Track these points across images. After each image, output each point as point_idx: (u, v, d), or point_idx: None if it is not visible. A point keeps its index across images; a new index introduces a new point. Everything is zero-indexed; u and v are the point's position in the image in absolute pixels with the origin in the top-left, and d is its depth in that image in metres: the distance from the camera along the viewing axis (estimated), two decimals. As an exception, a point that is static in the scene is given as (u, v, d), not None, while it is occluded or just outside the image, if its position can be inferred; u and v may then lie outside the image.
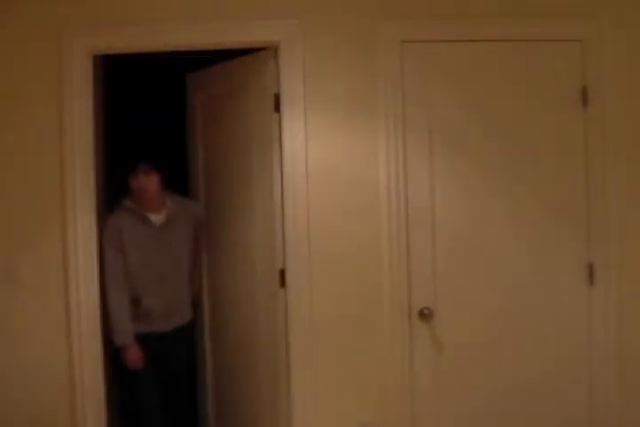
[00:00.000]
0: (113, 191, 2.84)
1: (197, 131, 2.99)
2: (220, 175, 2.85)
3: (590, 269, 2.55)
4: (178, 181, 2.94)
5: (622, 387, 2.54)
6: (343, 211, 2.53)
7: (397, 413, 2.52)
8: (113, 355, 2.62)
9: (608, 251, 2.53)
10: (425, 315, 2.53)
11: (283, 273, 2.54)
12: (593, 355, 2.55)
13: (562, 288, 2.56)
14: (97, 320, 2.49)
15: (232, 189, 2.76)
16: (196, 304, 2.93)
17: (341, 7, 2.52)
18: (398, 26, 2.51)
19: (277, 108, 2.51)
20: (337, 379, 2.53)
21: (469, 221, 2.55)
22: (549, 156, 2.56)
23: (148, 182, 2.65)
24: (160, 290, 2.69)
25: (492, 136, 2.55)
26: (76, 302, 2.46)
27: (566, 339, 2.56)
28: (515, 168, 2.55)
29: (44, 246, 2.50)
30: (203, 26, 2.51)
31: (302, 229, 2.50)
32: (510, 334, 2.56)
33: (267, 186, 2.60)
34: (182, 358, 2.82)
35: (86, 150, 2.51)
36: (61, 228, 2.48)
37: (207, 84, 2.92)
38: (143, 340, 2.63)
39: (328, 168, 2.53)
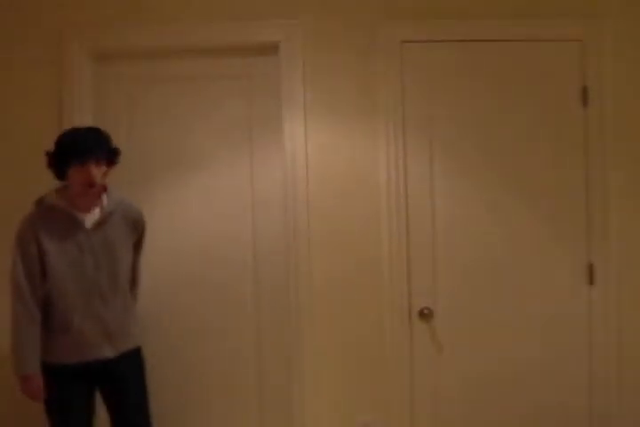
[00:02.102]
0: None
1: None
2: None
3: (590, 270, 2.56)
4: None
5: (622, 387, 2.54)
6: (343, 211, 2.53)
7: (397, 412, 2.53)
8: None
9: (608, 251, 2.54)
10: (425, 315, 2.53)
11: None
12: (593, 355, 2.55)
13: (562, 288, 2.56)
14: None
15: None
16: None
17: (341, 7, 2.53)
18: (398, 26, 2.52)
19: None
20: (337, 379, 2.53)
21: (469, 220, 2.55)
22: (549, 155, 2.56)
23: (98, 175, 2.12)
24: (96, 309, 2.15)
25: (492, 136, 2.55)
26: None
27: (566, 339, 2.56)
28: (515, 168, 2.56)
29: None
30: (203, 26, 2.52)
31: (302, 230, 2.50)
32: (510, 334, 2.56)
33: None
34: (136, 387, 2.27)
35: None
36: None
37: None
38: (82, 371, 2.15)
39: (328, 169, 2.53)
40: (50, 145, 2.50)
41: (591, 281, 2.55)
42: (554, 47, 2.55)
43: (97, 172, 2.12)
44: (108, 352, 2.18)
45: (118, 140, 2.59)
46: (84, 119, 2.52)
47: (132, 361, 2.27)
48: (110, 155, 2.19)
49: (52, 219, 2.14)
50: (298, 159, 2.51)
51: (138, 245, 2.36)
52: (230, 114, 2.63)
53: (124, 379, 2.24)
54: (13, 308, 2.10)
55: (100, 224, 2.19)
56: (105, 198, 2.22)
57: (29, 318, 2.09)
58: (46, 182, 2.49)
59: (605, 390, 2.54)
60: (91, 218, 2.18)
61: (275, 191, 2.60)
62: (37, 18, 2.52)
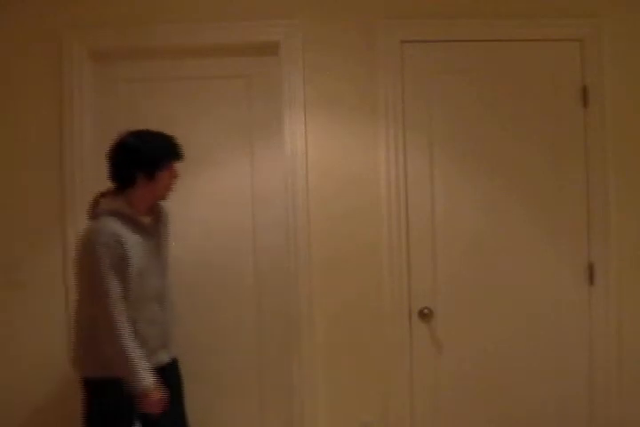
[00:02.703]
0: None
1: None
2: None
3: (590, 270, 2.55)
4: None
5: (622, 387, 2.54)
6: (344, 211, 2.53)
7: (398, 413, 2.53)
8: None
9: (608, 251, 2.53)
10: (425, 315, 2.53)
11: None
12: (593, 355, 2.55)
13: (562, 288, 2.56)
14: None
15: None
16: None
17: (341, 7, 2.53)
18: (398, 26, 2.52)
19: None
20: (338, 379, 2.53)
21: (470, 220, 2.55)
22: (549, 155, 2.56)
23: None
24: (156, 314, 2.11)
25: (492, 135, 2.55)
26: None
27: (566, 339, 2.56)
28: (515, 168, 2.56)
29: (44, 246, 2.50)
30: (203, 26, 2.52)
31: (303, 230, 2.50)
32: (510, 334, 2.56)
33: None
34: (182, 389, 2.26)
35: (86, 150, 2.52)
36: (61, 228, 2.49)
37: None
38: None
39: (328, 169, 2.53)
40: (51, 145, 2.52)
41: (591, 281, 2.55)
42: (554, 47, 2.55)
43: None
44: (165, 357, 2.16)
45: (118, 140, 2.61)
46: (84, 119, 2.52)
47: (177, 364, 2.27)
48: None
49: (125, 226, 2.03)
50: (298, 159, 2.51)
51: None
52: (230, 114, 2.63)
53: (173, 382, 2.20)
54: (111, 323, 1.94)
55: (154, 227, 2.16)
56: None
57: (130, 332, 1.97)
58: (46, 182, 2.51)
59: (605, 390, 2.54)
60: (146, 220, 2.13)
61: (275, 191, 2.60)
62: (37, 18, 2.52)
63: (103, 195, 2.13)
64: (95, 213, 2.08)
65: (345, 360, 2.53)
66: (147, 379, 1.96)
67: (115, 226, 2.00)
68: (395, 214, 2.52)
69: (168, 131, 2.60)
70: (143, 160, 2.05)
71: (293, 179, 2.51)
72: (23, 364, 2.51)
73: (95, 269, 1.95)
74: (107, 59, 2.59)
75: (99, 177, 2.60)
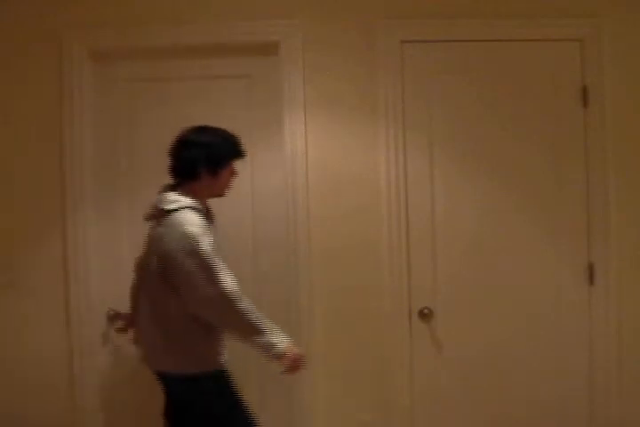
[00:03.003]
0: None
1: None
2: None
3: (590, 270, 2.56)
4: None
5: (622, 387, 2.54)
6: (344, 211, 2.53)
7: (397, 412, 2.53)
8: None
9: (608, 251, 2.53)
10: (425, 315, 2.53)
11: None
12: (593, 355, 2.55)
13: (562, 288, 2.56)
14: (97, 321, 2.52)
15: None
16: None
17: (341, 7, 2.53)
18: (398, 26, 2.52)
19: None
20: (338, 379, 2.54)
21: (470, 220, 2.56)
22: (549, 155, 2.56)
23: None
24: None
25: (492, 135, 2.55)
26: (76, 301, 2.49)
27: (566, 339, 2.56)
28: (515, 168, 2.56)
29: (44, 247, 2.50)
30: (203, 26, 2.52)
31: (303, 230, 2.51)
32: (510, 334, 2.56)
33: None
34: None
35: (87, 150, 2.53)
36: (61, 228, 2.50)
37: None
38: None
39: (328, 169, 2.53)
40: (51, 145, 2.52)
41: (591, 281, 2.55)
42: (554, 47, 2.55)
43: None
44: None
45: (118, 140, 2.62)
46: (84, 119, 2.53)
47: None
48: None
49: (205, 220, 2.06)
50: (298, 159, 2.51)
51: None
52: (230, 114, 2.62)
53: None
54: (235, 299, 1.98)
55: (213, 222, 2.20)
56: None
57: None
58: (46, 182, 2.51)
59: (605, 390, 2.54)
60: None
61: (275, 191, 2.59)
62: (37, 18, 2.52)
63: (164, 189, 2.14)
64: (162, 209, 2.04)
65: (345, 360, 2.53)
66: (283, 340, 2.04)
67: (197, 217, 2.01)
68: (395, 214, 2.52)
69: (168, 131, 2.63)
70: (210, 156, 2.09)
71: (293, 179, 2.52)
72: (22, 364, 2.51)
73: (201, 256, 1.94)
74: (107, 59, 2.59)
75: (99, 177, 2.62)
